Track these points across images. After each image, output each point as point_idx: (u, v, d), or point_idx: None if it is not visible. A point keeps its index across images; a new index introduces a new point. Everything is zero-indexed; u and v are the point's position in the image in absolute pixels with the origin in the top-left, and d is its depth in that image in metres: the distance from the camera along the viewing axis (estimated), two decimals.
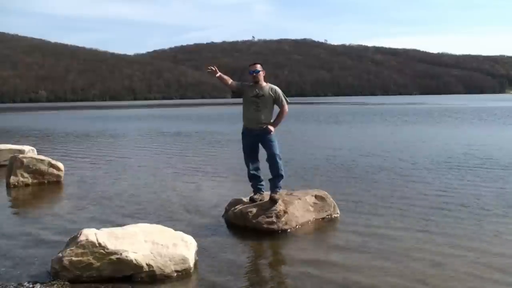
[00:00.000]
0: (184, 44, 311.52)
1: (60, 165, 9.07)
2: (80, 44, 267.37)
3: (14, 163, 8.64)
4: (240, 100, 5.95)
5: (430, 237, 5.17)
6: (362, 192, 7.60)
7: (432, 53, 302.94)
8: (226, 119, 33.67)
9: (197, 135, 20.39)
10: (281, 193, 5.92)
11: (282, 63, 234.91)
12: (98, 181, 9.06)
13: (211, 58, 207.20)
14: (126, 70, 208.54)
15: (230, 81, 5.87)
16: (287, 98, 5.90)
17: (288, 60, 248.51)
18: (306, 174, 9.48)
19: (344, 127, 23.94)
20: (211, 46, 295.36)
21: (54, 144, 17.24)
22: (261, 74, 5.80)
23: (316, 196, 6.14)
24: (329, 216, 6.06)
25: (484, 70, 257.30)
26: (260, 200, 5.86)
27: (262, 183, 6.00)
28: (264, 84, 5.81)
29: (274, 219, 5.52)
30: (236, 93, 6.17)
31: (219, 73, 5.72)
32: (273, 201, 5.69)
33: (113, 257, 4.02)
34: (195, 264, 4.34)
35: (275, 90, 5.80)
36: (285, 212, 5.61)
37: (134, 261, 4.03)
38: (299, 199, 5.94)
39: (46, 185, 8.71)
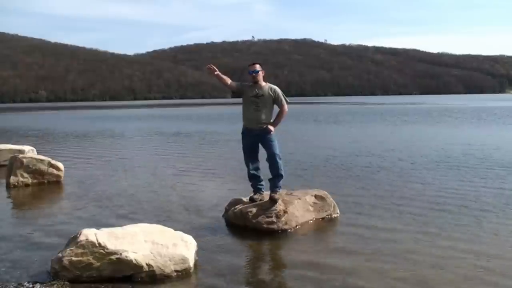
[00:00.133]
0: (184, 44, 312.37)
1: (60, 165, 9.07)
2: (80, 44, 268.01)
3: (14, 163, 8.64)
4: (240, 100, 5.95)
5: (430, 237, 5.17)
6: (362, 192, 7.60)
7: (432, 53, 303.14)
8: (226, 119, 33.67)
9: (197, 135, 20.38)
10: (281, 193, 5.92)
11: (282, 63, 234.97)
12: (98, 181, 9.06)
13: (211, 58, 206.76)
14: (126, 70, 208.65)
15: (229, 81, 5.86)
16: (286, 98, 5.90)
17: (288, 60, 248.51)
18: (306, 174, 9.49)
19: (344, 127, 23.94)
20: (211, 46, 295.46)
21: (54, 144, 17.25)
22: (261, 74, 5.80)
23: (316, 196, 6.14)
24: (329, 216, 6.07)
25: (484, 70, 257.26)
26: (260, 200, 5.86)
27: (262, 183, 6.00)
28: (263, 84, 5.81)
29: (274, 219, 5.53)
30: (236, 93, 6.16)
31: (217, 72, 5.71)
32: (273, 201, 5.69)
33: (113, 257, 4.02)
34: (195, 264, 4.34)
35: (275, 89, 5.80)
36: (285, 212, 5.61)
37: (134, 261, 4.03)
38: (299, 199, 5.95)
39: (46, 185, 8.71)
